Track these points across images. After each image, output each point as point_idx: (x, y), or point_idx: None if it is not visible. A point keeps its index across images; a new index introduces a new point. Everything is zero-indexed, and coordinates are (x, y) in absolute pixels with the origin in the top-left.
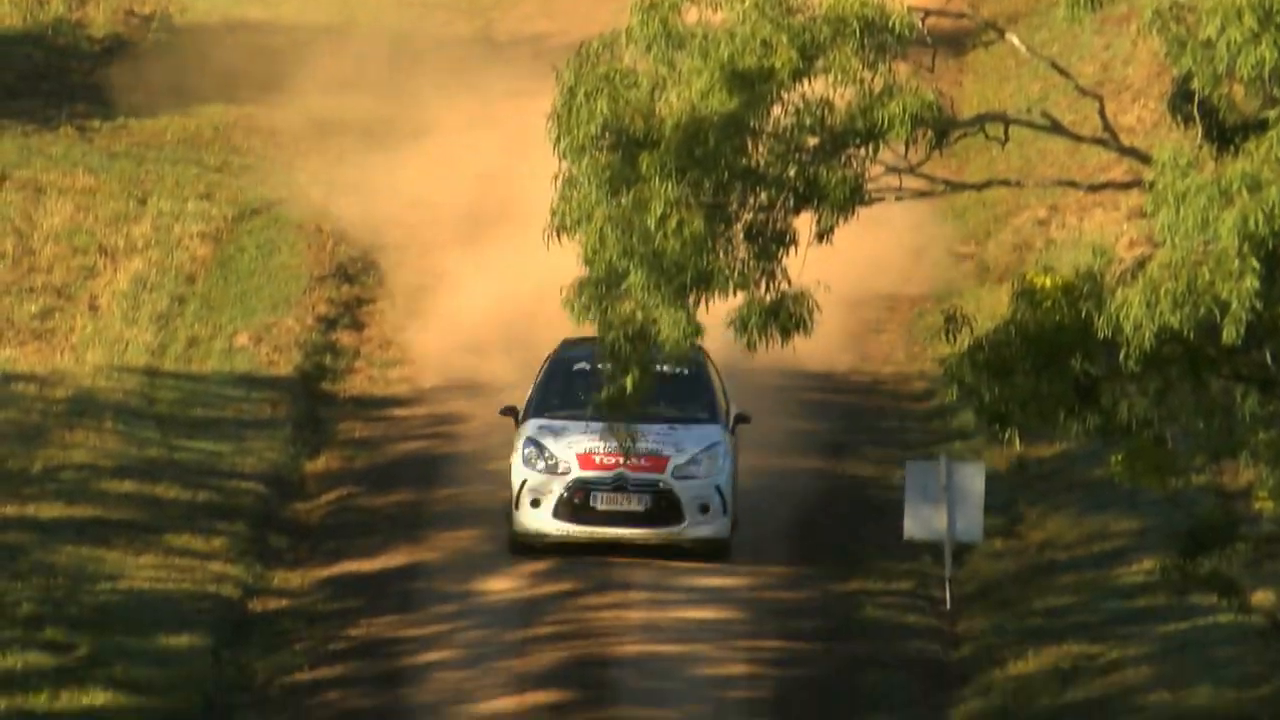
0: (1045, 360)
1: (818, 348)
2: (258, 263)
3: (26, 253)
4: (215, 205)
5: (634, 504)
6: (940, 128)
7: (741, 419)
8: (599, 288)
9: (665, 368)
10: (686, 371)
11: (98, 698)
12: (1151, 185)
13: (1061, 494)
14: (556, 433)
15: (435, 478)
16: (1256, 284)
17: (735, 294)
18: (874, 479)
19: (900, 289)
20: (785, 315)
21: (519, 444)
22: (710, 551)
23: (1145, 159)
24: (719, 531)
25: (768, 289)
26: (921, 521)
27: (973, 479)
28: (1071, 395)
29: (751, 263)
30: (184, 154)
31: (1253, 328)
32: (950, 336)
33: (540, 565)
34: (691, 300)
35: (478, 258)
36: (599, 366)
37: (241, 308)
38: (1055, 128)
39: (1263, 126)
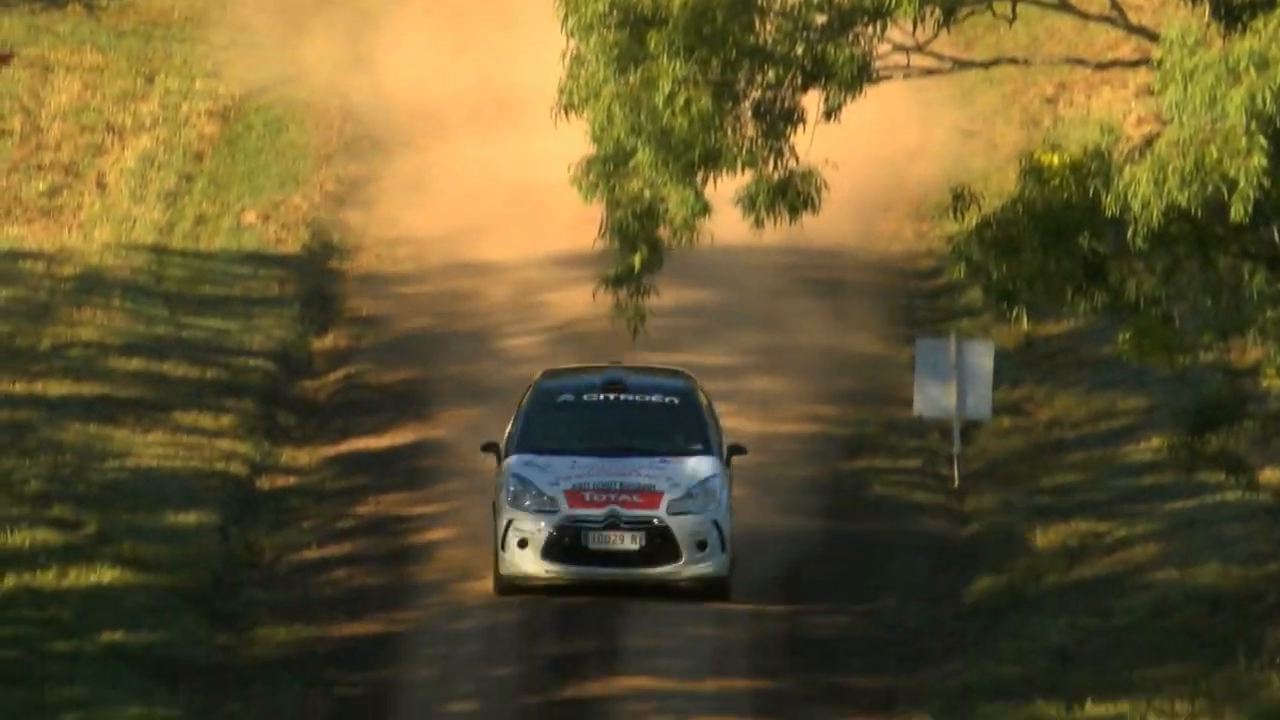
0: (1053, 238)
1: (825, 226)
2: (265, 141)
3: (34, 130)
4: (223, 83)
5: (627, 542)
6: (948, 5)
7: (737, 450)
8: (607, 165)
9: (653, 398)
10: (676, 401)
11: (105, 575)
12: (1159, 63)
13: (1069, 372)
14: (543, 468)
15: (442, 355)
16: (1264, 162)
17: (743, 172)
18: (882, 356)
19: (908, 167)
20: (793, 193)
21: (503, 481)
22: (709, 591)
23: (1153, 37)
24: (718, 569)
25: (775, 167)
26: (930, 399)
27: (981, 356)
28: (1079, 273)
29: (759, 140)
30: (191, 32)
31: (1260, 205)
32: (958, 214)
33: None
34: (699, 178)
35: (485, 137)
36: (584, 398)
37: (249, 185)
38: (1063, 5)
39: (1271, 4)
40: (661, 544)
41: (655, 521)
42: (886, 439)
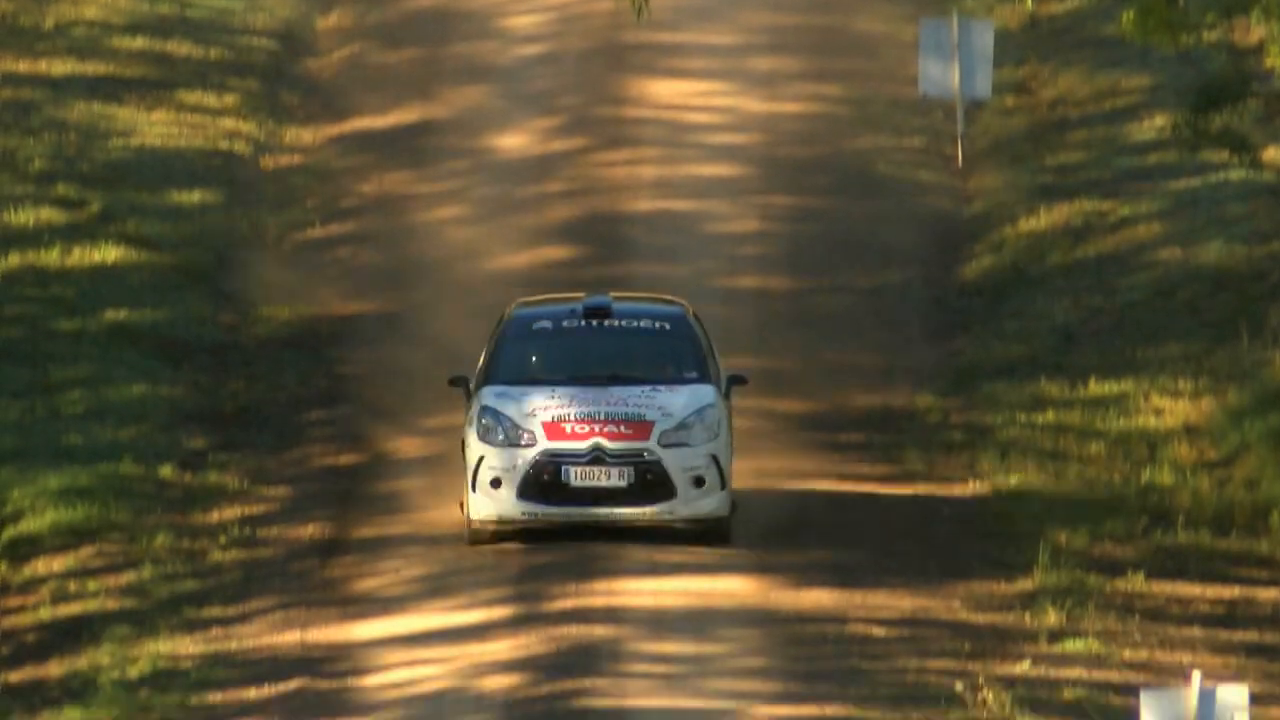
0: None
1: None
2: None
3: None
4: None
5: (614, 479)
6: None
7: (737, 380)
8: None
9: (642, 323)
10: (668, 326)
11: (110, 253)
12: None
13: (1073, 51)
14: (517, 400)
15: (448, 34)
16: None
17: None
18: (887, 35)
19: None
20: None
21: (473, 415)
22: (707, 533)
23: None
24: (717, 508)
25: None
26: (934, 78)
27: (982, 35)
28: None
29: None
30: None
31: None
32: None
33: (554, 120)
34: None
35: None
36: (564, 325)
37: None
38: None
39: None
40: (653, 480)
41: (645, 455)
42: (891, 118)
